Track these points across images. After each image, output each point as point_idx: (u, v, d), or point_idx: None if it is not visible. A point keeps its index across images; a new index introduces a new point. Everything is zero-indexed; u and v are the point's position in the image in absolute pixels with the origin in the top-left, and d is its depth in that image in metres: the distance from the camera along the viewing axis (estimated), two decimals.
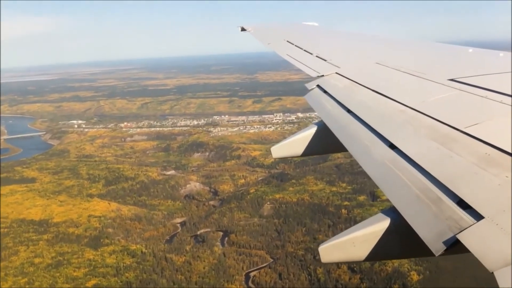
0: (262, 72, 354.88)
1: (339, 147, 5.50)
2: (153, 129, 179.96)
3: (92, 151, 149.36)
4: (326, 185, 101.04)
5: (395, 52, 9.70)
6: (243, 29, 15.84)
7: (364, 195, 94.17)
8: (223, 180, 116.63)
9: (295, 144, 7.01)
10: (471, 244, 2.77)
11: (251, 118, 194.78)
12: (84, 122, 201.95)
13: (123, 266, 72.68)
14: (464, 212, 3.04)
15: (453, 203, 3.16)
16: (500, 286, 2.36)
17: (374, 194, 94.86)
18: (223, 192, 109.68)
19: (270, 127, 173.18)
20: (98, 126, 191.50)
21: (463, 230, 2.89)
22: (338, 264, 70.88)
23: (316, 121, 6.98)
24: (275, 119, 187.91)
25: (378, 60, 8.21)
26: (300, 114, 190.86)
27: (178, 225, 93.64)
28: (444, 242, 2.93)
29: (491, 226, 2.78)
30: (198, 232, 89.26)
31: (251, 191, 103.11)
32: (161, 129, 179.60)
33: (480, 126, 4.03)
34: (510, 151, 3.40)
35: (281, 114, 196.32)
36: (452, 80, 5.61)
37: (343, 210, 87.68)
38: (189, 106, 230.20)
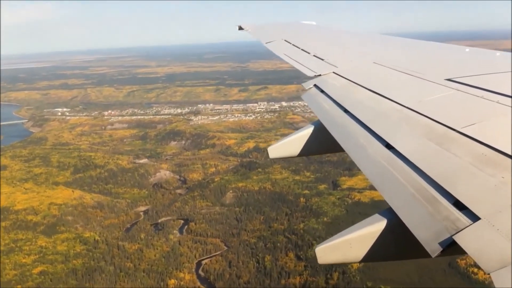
0: (255, 61, 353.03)
1: (336, 147, 5.45)
2: (134, 117, 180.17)
3: (70, 139, 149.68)
4: (290, 174, 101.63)
5: (392, 52, 9.73)
6: (240, 28, 15.82)
7: (325, 184, 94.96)
8: (194, 168, 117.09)
9: (292, 144, 6.90)
10: (468, 245, 2.76)
11: (235, 106, 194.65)
12: (69, 110, 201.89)
13: (73, 253, 73.34)
14: (460, 213, 3.03)
15: (450, 204, 3.16)
16: (496, 287, 2.37)
17: (335, 183, 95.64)
18: (192, 180, 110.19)
19: (251, 115, 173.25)
20: (81, 114, 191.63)
21: (460, 231, 2.87)
22: (286, 252, 71.86)
23: (313, 120, 6.85)
24: (258, 108, 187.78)
25: (375, 59, 8.23)
26: (284, 103, 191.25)
27: (141, 213, 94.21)
28: (441, 243, 2.93)
29: (488, 227, 2.76)
30: (159, 220, 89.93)
31: (216, 179, 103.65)
32: (142, 117, 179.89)
33: (477, 126, 4.02)
34: (506, 151, 3.38)
35: (265, 103, 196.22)
36: (449, 80, 5.62)
37: (301, 199, 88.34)
38: (175, 95, 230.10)
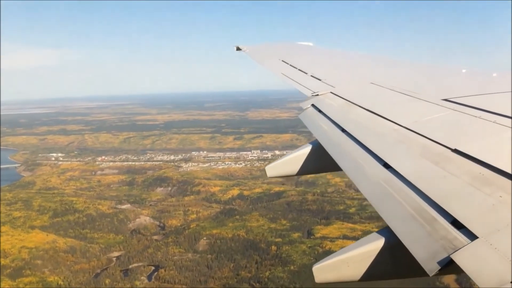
0: (254, 110, 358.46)
1: (334, 166, 5.50)
2: (126, 163, 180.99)
3: (57, 183, 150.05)
4: (266, 222, 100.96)
5: (390, 72, 9.85)
6: (238, 49, 15.78)
7: (299, 232, 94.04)
8: (175, 215, 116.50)
9: (290, 163, 6.95)
10: (465, 264, 2.76)
11: (228, 154, 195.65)
12: (63, 155, 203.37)
13: None
14: (458, 232, 3.05)
15: (447, 223, 3.18)
16: None
17: (310, 232, 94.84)
18: (170, 226, 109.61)
19: (241, 163, 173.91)
20: (75, 159, 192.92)
21: (457, 250, 2.89)
22: None
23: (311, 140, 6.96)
24: (251, 156, 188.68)
25: (372, 79, 8.30)
26: (277, 152, 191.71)
27: (114, 258, 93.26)
28: (439, 262, 2.93)
29: (485, 246, 2.78)
30: (130, 266, 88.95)
31: (192, 226, 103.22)
32: (133, 163, 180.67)
33: (474, 145, 4.05)
34: (504, 171, 3.41)
35: (259, 151, 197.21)
36: (446, 100, 5.66)
37: (273, 247, 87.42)
38: (171, 142, 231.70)
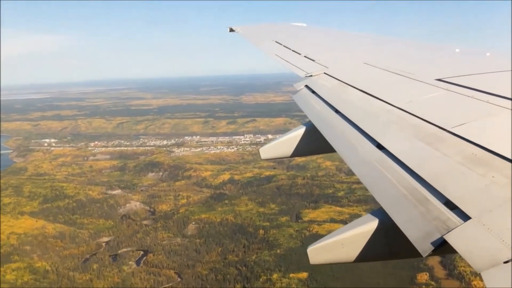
0: (249, 94, 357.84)
1: (327, 148, 5.52)
2: (118, 148, 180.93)
3: (49, 169, 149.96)
4: (255, 206, 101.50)
5: (383, 52, 9.77)
6: (231, 30, 15.64)
7: (287, 216, 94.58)
8: (166, 200, 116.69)
9: (284, 145, 6.97)
10: (458, 244, 2.78)
11: (221, 139, 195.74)
12: (56, 141, 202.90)
13: (20, 282, 73.09)
14: (451, 212, 3.04)
15: (440, 204, 3.17)
16: (487, 286, 2.39)
17: (298, 216, 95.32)
18: (160, 211, 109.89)
19: (233, 148, 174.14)
20: (67, 145, 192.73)
21: (450, 230, 2.89)
22: (234, 284, 71.48)
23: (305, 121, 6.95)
24: (243, 140, 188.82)
25: (366, 60, 8.27)
26: (270, 136, 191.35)
27: (104, 244, 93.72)
28: (432, 243, 2.95)
29: (478, 227, 2.78)
30: (119, 251, 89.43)
31: (181, 210, 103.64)
32: (126, 148, 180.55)
33: (467, 126, 4.04)
34: (497, 151, 3.39)
35: (252, 135, 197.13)
36: (439, 80, 5.62)
37: (260, 231, 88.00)
38: (164, 126, 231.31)
